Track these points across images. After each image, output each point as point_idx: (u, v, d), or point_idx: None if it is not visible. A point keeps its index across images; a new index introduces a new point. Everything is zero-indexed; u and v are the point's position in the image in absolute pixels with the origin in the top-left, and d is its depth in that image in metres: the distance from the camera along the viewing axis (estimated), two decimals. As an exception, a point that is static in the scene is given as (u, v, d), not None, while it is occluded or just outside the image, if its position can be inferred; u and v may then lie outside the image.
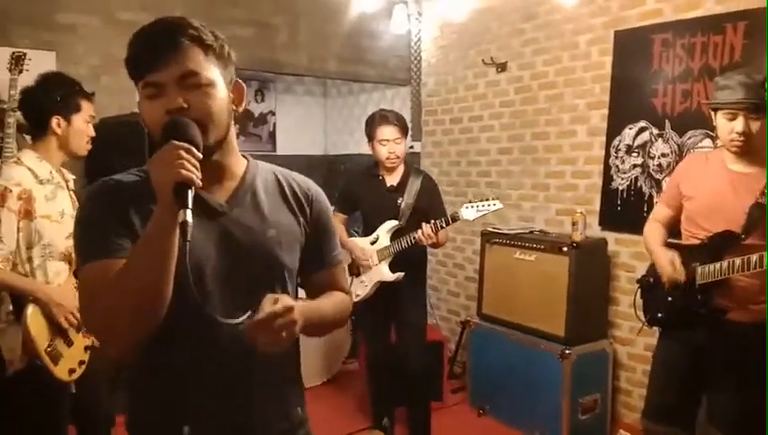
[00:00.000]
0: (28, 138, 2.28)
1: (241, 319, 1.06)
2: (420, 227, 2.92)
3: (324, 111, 5.86)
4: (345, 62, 4.44)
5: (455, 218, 2.93)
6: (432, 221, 2.91)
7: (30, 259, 2.11)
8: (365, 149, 3.27)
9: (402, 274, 3.04)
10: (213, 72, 1.12)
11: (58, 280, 2.18)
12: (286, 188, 1.28)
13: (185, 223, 0.97)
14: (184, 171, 0.98)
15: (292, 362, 1.30)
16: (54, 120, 2.17)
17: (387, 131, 3.06)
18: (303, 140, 5.69)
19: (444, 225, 2.91)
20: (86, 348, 2.24)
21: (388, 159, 3.08)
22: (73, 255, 2.23)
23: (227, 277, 1.16)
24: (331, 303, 1.30)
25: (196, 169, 1.01)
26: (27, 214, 2.08)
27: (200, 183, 1.01)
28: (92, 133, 2.30)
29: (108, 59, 3.50)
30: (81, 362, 2.21)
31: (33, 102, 2.21)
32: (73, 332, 2.18)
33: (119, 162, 3.18)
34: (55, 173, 2.20)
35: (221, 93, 1.13)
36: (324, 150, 5.84)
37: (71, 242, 2.21)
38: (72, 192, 2.30)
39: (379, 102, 5.12)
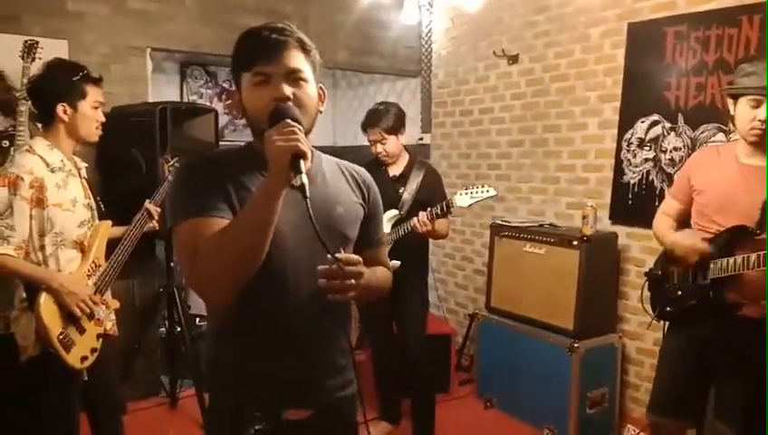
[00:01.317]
0: (40, 126, 2.29)
1: (340, 254, 1.21)
2: (406, 223, 2.95)
3: (333, 101, 5.84)
4: (355, 53, 4.42)
5: (449, 206, 2.89)
6: (428, 209, 2.90)
7: (42, 247, 2.12)
8: (373, 140, 3.28)
9: (398, 262, 2.98)
10: (309, 72, 1.31)
11: (70, 268, 2.19)
12: (347, 175, 1.48)
13: (303, 185, 1.14)
14: (300, 144, 1.15)
15: (346, 331, 1.48)
16: (60, 108, 2.16)
17: (370, 133, 3.12)
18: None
19: (438, 212, 2.88)
20: (98, 336, 2.26)
21: (378, 155, 3.14)
22: (85, 242, 2.25)
23: (303, 248, 1.31)
24: (379, 272, 1.49)
25: (306, 144, 1.18)
26: (39, 202, 2.08)
27: (309, 156, 1.19)
28: (102, 119, 2.28)
29: (118, 48, 3.51)
30: (94, 350, 2.22)
31: (38, 90, 2.21)
32: (86, 319, 2.19)
33: (130, 151, 3.23)
34: (67, 161, 2.21)
35: (313, 91, 1.32)
36: (333, 141, 5.83)
37: (83, 230, 2.23)
38: (84, 180, 2.30)
39: (388, 94, 5.11)
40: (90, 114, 2.22)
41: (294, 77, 1.27)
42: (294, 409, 1.37)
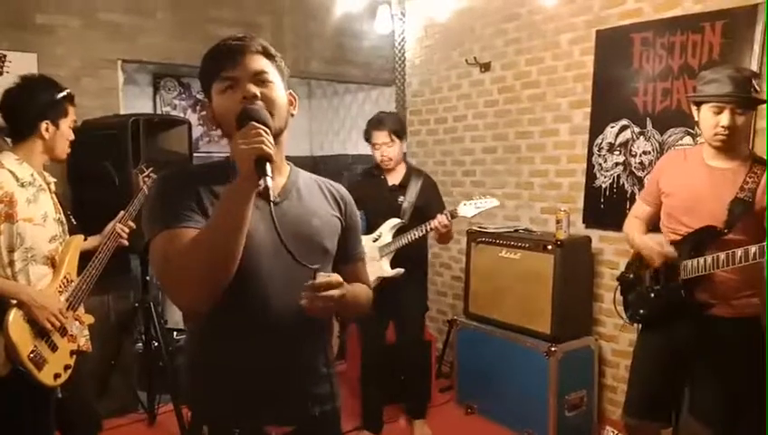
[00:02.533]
0: (8, 140, 2.26)
1: (315, 266, 1.24)
2: (422, 225, 3.05)
3: (309, 111, 5.84)
4: (329, 63, 4.44)
5: (453, 215, 3.02)
6: (444, 211, 3.02)
7: (12, 263, 2.08)
8: (350, 149, 3.32)
9: (402, 270, 3.13)
10: (275, 75, 1.34)
11: (41, 284, 2.15)
12: (324, 189, 1.49)
13: (267, 188, 1.14)
14: (265, 147, 1.16)
15: (327, 341, 1.48)
16: (44, 125, 2.15)
17: (376, 136, 3.19)
18: (288, 140, 5.65)
19: (450, 218, 3.02)
20: (72, 352, 2.22)
21: (381, 161, 3.22)
22: (57, 257, 2.21)
23: (280, 261, 1.29)
24: (359, 289, 1.50)
25: (272, 146, 1.18)
26: (9, 217, 2.05)
27: (275, 159, 1.19)
28: (72, 137, 2.29)
29: (89, 60, 3.47)
30: (67, 367, 2.18)
31: (20, 106, 2.17)
32: (58, 336, 2.16)
33: (102, 164, 3.19)
34: (37, 176, 2.18)
35: (281, 93, 1.34)
36: (310, 151, 5.82)
37: (54, 245, 2.20)
38: (54, 195, 2.27)
39: (363, 103, 5.13)
40: (67, 133, 2.25)
41: (260, 78, 1.29)
42: (276, 425, 1.36)
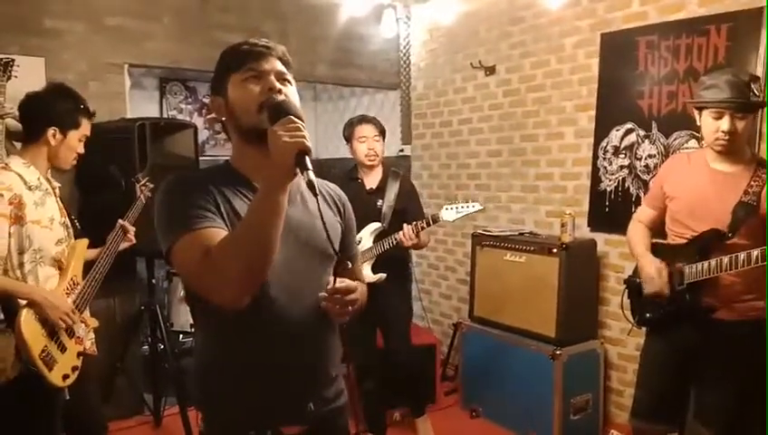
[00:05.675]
0: (18, 145, 2.28)
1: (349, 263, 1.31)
2: (402, 229, 2.98)
3: (315, 115, 5.86)
4: (335, 67, 4.45)
5: (435, 220, 2.98)
6: (414, 223, 2.96)
7: (21, 265, 2.10)
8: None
9: (384, 275, 3.05)
10: (292, 80, 1.38)
11: (48, 285, 2.17)
12: (324, 192, 1.50)
13: (311, 181, 1.13)
14: (306, 141, 1.15)
15: (337, 341, 1.50)
16: (51, 131, 2.18)
17: (365, 129, 3.15)
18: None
19: (425, 226, 2.96)
20: (79, 354, 2.24)
21: (366, 156, 3.14)
22: (63, 260, 2.23)
23: (289, 265, 1.32)
24: (361, 289, 1.47)
25: (310, 141, 1.18)
26: (18, 219, 2.07)
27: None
28: (81, 151, 2.31)
29: (96, 65, 3.50)
30: (75, 368, 2.20)
31: (33, 109, 2.21)
32: (66, 337, 2.18)
33: (109, 168, 3.21)
34: (43, 180, 2.20)
35: (297, 96, 1.36)
36: (315, 154, 5.80)
37: (60, 248, 2.22)
38: (59, 199, 2.29)
39: (368, 106, 5.14)
40: (74, 145, 2.27)
41: (283, 77, 1.33)
42: (290, 425, 1.37)
